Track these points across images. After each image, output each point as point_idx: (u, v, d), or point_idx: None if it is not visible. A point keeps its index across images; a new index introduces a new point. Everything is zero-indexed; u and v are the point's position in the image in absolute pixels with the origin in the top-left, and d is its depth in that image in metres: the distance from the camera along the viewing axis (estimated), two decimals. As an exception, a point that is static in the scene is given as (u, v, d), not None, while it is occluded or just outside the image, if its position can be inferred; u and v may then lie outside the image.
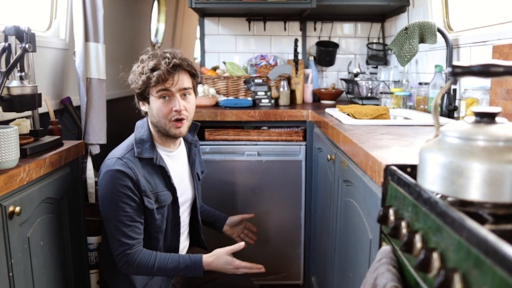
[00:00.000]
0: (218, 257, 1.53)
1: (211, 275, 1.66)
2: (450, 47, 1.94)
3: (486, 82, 1.65)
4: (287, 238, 2.38)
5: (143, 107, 1.56)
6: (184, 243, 1.72)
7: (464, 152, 0.70)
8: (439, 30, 1.96)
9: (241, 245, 1.57)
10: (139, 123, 1.61)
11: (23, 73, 1.48)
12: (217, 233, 2.23)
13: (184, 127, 1.54)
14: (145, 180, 1.50)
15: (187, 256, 1.53)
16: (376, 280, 0.81)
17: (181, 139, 1.68)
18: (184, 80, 1.51)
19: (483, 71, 0.75)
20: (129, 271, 1.50)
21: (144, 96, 1.52)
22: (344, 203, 1.49)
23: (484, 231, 0.56)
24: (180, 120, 1.51)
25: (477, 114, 0.75)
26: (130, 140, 1.56)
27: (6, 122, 1.60)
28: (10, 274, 1.18)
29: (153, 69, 1.46)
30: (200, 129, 1.65)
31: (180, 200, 1.61)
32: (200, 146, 2.20)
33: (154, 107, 1.51)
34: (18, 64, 1.47)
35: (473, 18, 2.02)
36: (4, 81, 1.42)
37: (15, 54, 1.47)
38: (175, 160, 1.64)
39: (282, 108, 2.41)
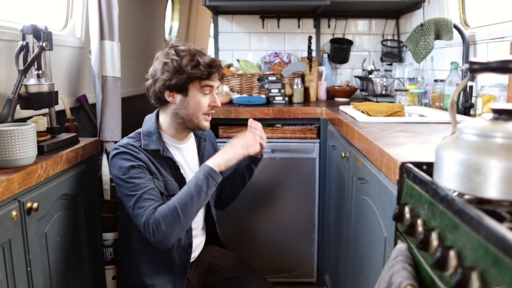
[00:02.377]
0: (222, 152, 1.55)
1: (227, 273, 1.66)
2: (467, 44, 1.91)
3: (504, 78, 1.62)
4: (301, 235, 2.38)
5: (170, 98, 1.53)
6: (199, 239, 1.72)
7: (481, 149, 0.69)
8: (455, 26, 1.93)
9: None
10: (147, 117, 1.63)
11: (40, 71, 1.50)
12: (233, 229, 2.24)
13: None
14: (153, 165, 1.51)
15: (194, 178, 1.48)
16: (391, 278, 0.80)
17: (192, 133, 1.69)
18: (217, 79, 1.59)
19: (502, 67, 0.74)
20: (160, 232, 1.39)
21: (182, 87, 1.52)
22: (358, 201, 1.49)
23: (503, 229, 0.55)
24: (209, 114, 1.60)
25: (495, 111, 0.74)
26: (136, 131, 1.59)
27: (24, 120, 1.63)
28: (28, 269, 1.20)
29: (210, 65, 1.52)
30: (214, 126, 1.67)
31: None
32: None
33: (193, 100, 1.53)
34: (36, 63, 1.49)
35: (490, 14, 1.99)
36: (22, 79, 1.44)
37: (33, 52, 1.49)
38: (185, 152, 1.65)
39: (296, 106, 2.41)
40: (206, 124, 1.60)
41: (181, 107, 1.55)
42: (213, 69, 1.53)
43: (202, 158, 1.71)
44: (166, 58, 1.51)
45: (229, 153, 1.54)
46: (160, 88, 1.52)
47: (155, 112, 1.63)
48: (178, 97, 1.54)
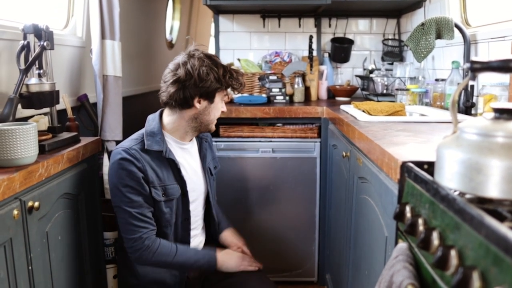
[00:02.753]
0: (231, 260, 1.64)
1: (228, 272, 1.68)
2: (468, 43, 1.91)
3: (505, 78, 1.62)
4: (302, 235, 2.38)
5: (198, 104, 1.56)
6: (199, 239, 1.73)
7: (483, 149, 0.69)
8: (457, 26, 1.93)
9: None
10: (150, 117, 1.64)
11: (41, 71, 1.51)
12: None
13: None
14: (153, 171, 1.53)
15: (201, 254, 1.58)
16: (392, 277, 0.80)
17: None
18: None
19: (503, 66, 0.74)
20: (146, 258, 1.50)
21: (209, 94, 1.56)
22: (359, 200, 1.49)
23: (504, 229, 0.55)
24: None
25: (496, 110, 0.74)
26: (139, 132, 1.60)
27: (25, 119, 1.63)
28: (30, 267, 1.20)
29: (238, 77, 1.61)
30: (215, 125, 1.68)
31: (191, 194, 1.62)
32: (215, 143, 2.22)
33: (215, 107, 1.61)
34: (37, 62, 1.50)
35: (491, 13, 1.99)
36: (23, 78, 1.44)
37: (34, 52, 1.50)
38: (188, 152, 1.66)
39: (296, 105, 2.41)
40: (213, 127, 1.68)
41: (204, 113, 1.59)
42: (240, 80, 1.63)
43: (203, 158, 1.72)
44: (203, 65, 1.53)
45: (232, 267, 1.64)
46: (192, 93, 1.53)
47: (158, 112, 1.64)
48: (204, 103, 1.57)
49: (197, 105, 1.56)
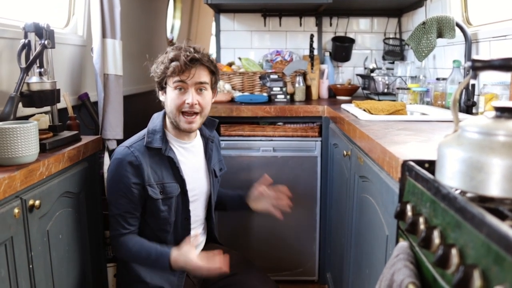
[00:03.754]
0: (180, 255, 1.48)
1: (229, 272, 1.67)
2: (469, 42, 1.91)
3: (506, 77, 1.62)
4: (302, 234, 2.38)
5: (162, 97, 1.60)
6: (199, 239, 1.72)
7: (484, 148, 0.69)
8: (458, 25, 1.92)
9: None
10: (155, 115, 1.66)
11: (42, 69, 1.51)
12: (234, 227, 2.24)
13: (197, 122, 1.57)
14: (152, 170, 1.54)
15: (159, 248, 1.52)
16: (393, 276, 0.80)
17: (197, 132, 1.70)
18: (202, 75, 1.53)
19: (504, 65, 0.74)
20: (118, 254, 1.59)
21: (161, 85, 1.57)
22: (360, 199, 1.49)
23: (505, 227, 0.55)
24: (191, 114, 1.53)
25: (498, 109, 0.74)
26: (143, 131, 1.62)
27: (26, 118, 1.63)
28: (30, 266, 1.20)
29: (172, 60, 1.50)
30: (218, 124, 1.68)
31: (191, 194, 1.62)
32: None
33: (168, 97, 1.55)
34: (38, 60, 1.50)
35: (493, 12, 1.98)
36: (24, 77, 1.44)
37: (35, 50, 1.50)
38: (189, 152, 1.65)
39: (297, 104, 2.40)
40: (186, 126, 1.54)
41: (166, 105, 1.59)
42: (173, 63, 1.49)
43: (209, 159, 1.72)
44: (160, 57, 1.57)
45: (188, 267, 1.47)
46: (156, 85, 1.59)
47: (163, 111, 1.64)
48: (163, 95, 1.59)
49: (161, 98, 1.60)
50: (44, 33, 1.50)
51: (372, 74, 2.63)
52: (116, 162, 1.53)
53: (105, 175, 2.03)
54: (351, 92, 2.80)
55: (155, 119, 1.63)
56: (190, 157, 1.65)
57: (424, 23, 1.97)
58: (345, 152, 1.72)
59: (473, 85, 1.85)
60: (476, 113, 1.81)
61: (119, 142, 2.11)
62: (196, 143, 1.69)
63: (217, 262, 1.44)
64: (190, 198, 1.62)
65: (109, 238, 1.63)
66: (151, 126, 1.60)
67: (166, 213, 1.56)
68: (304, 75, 2.66)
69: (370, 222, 1.33)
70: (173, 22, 4.40)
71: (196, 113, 1.54)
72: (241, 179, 2.31)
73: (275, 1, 2.56)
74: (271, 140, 2.30)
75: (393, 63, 2.76)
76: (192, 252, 1.47)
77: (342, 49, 2.91)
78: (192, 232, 1.65)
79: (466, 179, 0.71)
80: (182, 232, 1.62)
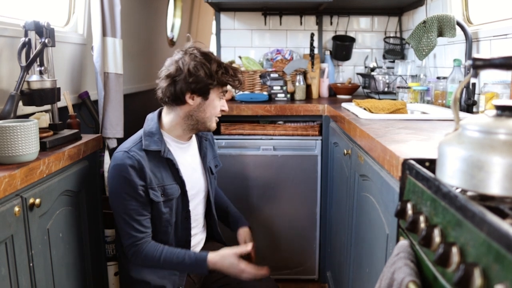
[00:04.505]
0: (224, 258, 1.52)
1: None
2: (470, 41, 1.90)
3: (507, 76, 1.62)
4: (303, 233, 2.38)
5: (190, 100, 1.54)
6: (199, 237, 1.73)
7: (484, 146, 0.69)
8: (458, 23, 1.92)
9: (248, 248, 1.57)
10: (149, 116, 1.63)
11: (42, 68, 1.51)
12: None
13: None
14: (152, 173, 1.52)
15: (192, 254, 1.54)
16: (393, 274, 0.80)
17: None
18: None
19: (505, 63, 0.74)
20: (137, 262, 1.54)
21: (203, 90, 1.54)
22: (360, 198, 1.48)
23: (506, 226, 0.55)
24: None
25: (498, 107, 0.74)
26: (139, 133, 1.59)
27: (26, 116, 1.63)
28: (31, 264, 1.20)
29: (235, 73, 1.58)
30: (216, 123, 1.67)
31: (191, 193, 1.62)
32: (216, 140, 2.21)
33: (211, 103, 1.57)
34: (38, 59, 1.50)
35: (493, 11, 1.98)
36: (24, 75, 1.44)
37: (35, 48, 1.49)
38: (187, 151, 1.65)
39: (298, 103, 2.40)
40: (214, 125, 1.64)
41: (199, 110, 1.56)
42: (238, 77, 1.59)
43: (204, 157, 1.72)
44: (193, 61, 1.51)
45: (228, 269, 1.52)
46: (183, 89, 1.51)
47: (157, 112, 1.63)
48: (198, 100, 1.55)
49: (189, 101, 1.54)
50: (44, 32, 1.50)
51: (372, 73, 2.63)
52: (117, 168, 1.49)
53: (106, 174, 2.03)
54: (351, 91, 2.80)
55: (150, 121, 1.59)
56: (187, 157, 1.65)
57: (424, 22, 1.96)
58: (345, 151, 1.72)
59: (474, 84, 1.84)
60: (477, 112, 1.80)
61: (119, 140, 2.12)
62: (192, 142, 1.69)
63: (265, 269, 1.53)
64: (190, 198, 1.62)
65: (123, 247, 1.56)
66: (147, 128, 1.57)
67: (167, 215, 1.56)
68: (304, 74, 2.66)
69: (371, 221, 1.33)
70: (173, 20, 4.39)
71: None
72: (241, 178, 2.31)
73: (275, 0, 2.56)
74: (272, 139, 2.30)
75: (393, 62, 2.76)
76: (235, 256, 1.53)
77: (343, 48, 2.91)
78: (192, 231, 1.66)
79: (467, 178, 0.71)
80: (182, 231, 1.62)
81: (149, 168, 1.51)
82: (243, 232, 1.80)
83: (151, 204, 1.53)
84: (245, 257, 1.56)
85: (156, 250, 1.52)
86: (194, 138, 1.71)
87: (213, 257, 1.52)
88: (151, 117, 1.62)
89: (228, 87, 1.63)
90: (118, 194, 1.50)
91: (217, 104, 1.60)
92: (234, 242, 1.75)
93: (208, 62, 1.52)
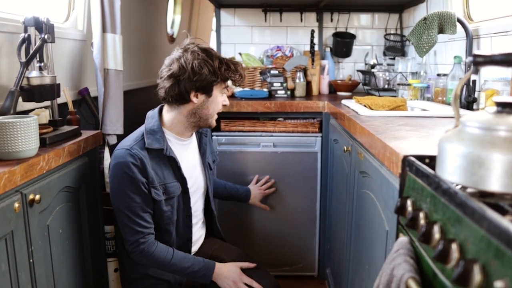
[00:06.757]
0: (229, 266, 1.60)
1: None
2: (470, 38, 1.90)
3: (507, 73, 1.61)
4: (302, 229, 2.38)
5: (195, 98, 1.54)
6: (199, 233, 1.73)
7: (484, 143, 0.69)
8: (459, 20, 1.92)
9: (252, 265, 1.67)
10: (149, 114, 1.62)
11: (42, 64, 1.50)
12: (234, 223, 2.27)
13: None
14: (154, 171, 1.51)
15: (201, 259, 1.57)
16: (393, 271, 0.80)
17: None
18: None
19: (506, 60, 0.74)
20: (143, 261, 1.53)
21: (207, 88, 1.54)
22: (360, 195, 1.49)
23: (505, 222, 0.55)
24: None
25: (499, 104, 0.74)
26: (140, 130, 1.58)
27: (26, 112, 1.63)
28: (31, 260, 1.20)
29: (237, 69, 1.58)
30: (216, 120, 1.67)
31: (191, 190, 1.62)
32: (216, 137, 2.22)
33: (214, 100, 1.58)
34: (38, 55, 1.49)
35: (494, 8, 1.97)
36: (24, 71, 1.44)
37: (35, 45, 1.49)
38: (187, 148, 1.65)
39: (298, 100, 2.40)
40: (215, 122, 1.65)
41: (202, 107, 1.56)
42: (239, 71, 1.59)
43: (203, 154, 1.72)
44: (196, 59, 1.50)
45: (229, 274, 1.59)
46: (187, 88, 1.51)
47: (157, 109, 1.62)
48: (202, 97, 1.55)
49: (194, 99, 1.53)
50: (44, 28, 1.50)
51: (372, 70, 2.63)
52: (120, 165, 1.48)
53: (106, 170, 2.03)
54: (351, 88, 2.80)
55: (151, 119, 1.59)
56: (187, 154, 1.65)
57: (425, 18, 1.96)
58: (345, 148, 1.71)
59: (474, 81, 1.84)
60: (477, 109, 1.80)
61: (119, 137, 2.12)
62: (192, 139, 1.69)
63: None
64: (191, 195, 1.62)
65: (126, 245, 1.55)
66: (148, 126, 1.56)
67: (169, 213, 1.56)
68: (304, 70, 2.66)
69: (370, 218, 1.33)
70: (173, 17, 4.38)
71: None
72: (241, 174, 2.31)
73: (275, -4, 2.56)
74: (272, 136, 2.30)
75: (394, 59, 2.75)
76: (240, 271, 1.61)
77: (343, 44, 2.91)
78: (193, 229, 1.66)
79: (467, 174, 0.71)
80: (183, 229, 1.63)
81: (151, 166, 1.50)
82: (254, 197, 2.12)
83: (153, 203, 1.53)
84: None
85: (167, 252, 1.53)
86: (194, 135, 1.71)
87: (220, 271, 1.58)
88: (152, 115, 1.61)
89: (228, 82, 1.63)
90: (121, 191, 1.49)
91: (219, 100, 1.60)
92: (234, 240, 1.76)
93: (210, 59, 1.52)
